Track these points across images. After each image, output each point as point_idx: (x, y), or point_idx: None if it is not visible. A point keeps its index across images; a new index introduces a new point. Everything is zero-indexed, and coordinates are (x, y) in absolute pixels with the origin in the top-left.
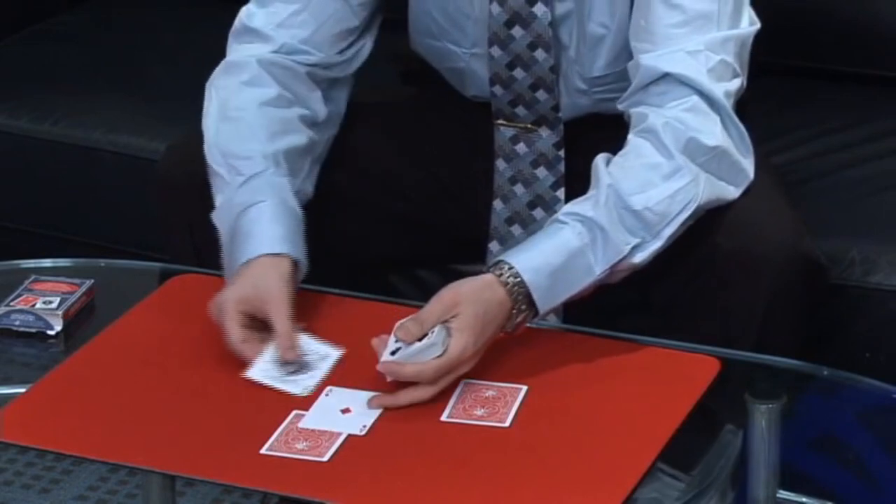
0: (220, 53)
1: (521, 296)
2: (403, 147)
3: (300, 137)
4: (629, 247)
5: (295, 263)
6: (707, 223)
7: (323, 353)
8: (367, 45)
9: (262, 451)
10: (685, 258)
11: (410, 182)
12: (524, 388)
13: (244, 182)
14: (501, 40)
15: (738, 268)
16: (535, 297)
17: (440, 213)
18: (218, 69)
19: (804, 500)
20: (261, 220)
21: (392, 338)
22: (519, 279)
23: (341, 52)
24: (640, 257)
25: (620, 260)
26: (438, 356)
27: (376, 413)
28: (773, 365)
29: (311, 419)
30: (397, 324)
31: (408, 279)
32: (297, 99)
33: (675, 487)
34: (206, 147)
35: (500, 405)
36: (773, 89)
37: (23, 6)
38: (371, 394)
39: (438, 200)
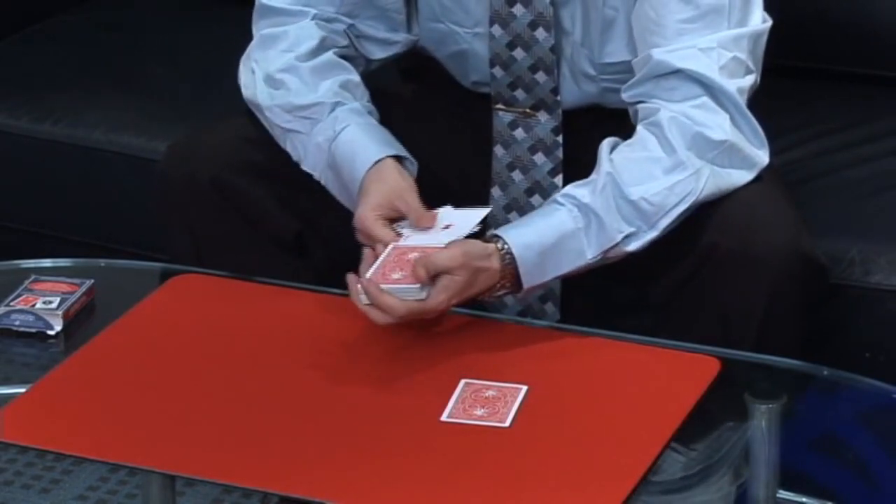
0: (220, 53)
1: (509, 271)
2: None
3: (348, 72)
4: (622, 235)
5: (401, 161)
6: (707, 223)
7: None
8: (406, 37)
9: (367, 275)
10: (685, 258)
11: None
12: (524, 388)
13: (321, 123)
14: (503, 18)
15: (738, 267)
16: (521, 272)
17: (439, 205)
18: (252, 45)
19: (804, 500)
20: (355, 140)
21: (384, 255)
22: (510, 254)
23: (378, 20)
24: (633, 246)
25: (613, 247)
26: (418, 300)
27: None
28: (773, 365)
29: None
30: (390, 247)
31: None
32: (333, 43)
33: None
34: (265, 115)
35: (500, 405)
36: (773, 89)
37: (23, 6)
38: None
39: (438, 194)
